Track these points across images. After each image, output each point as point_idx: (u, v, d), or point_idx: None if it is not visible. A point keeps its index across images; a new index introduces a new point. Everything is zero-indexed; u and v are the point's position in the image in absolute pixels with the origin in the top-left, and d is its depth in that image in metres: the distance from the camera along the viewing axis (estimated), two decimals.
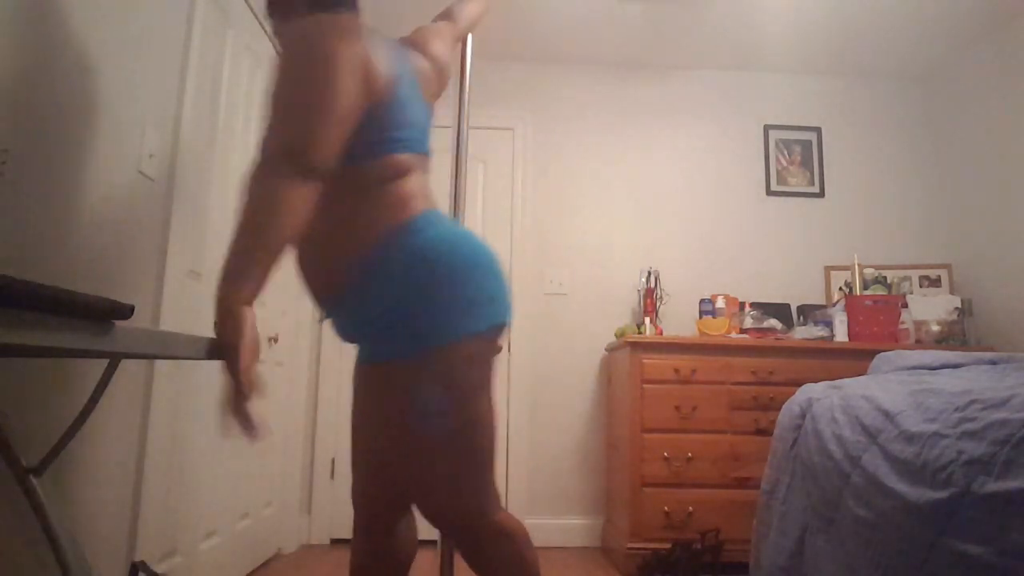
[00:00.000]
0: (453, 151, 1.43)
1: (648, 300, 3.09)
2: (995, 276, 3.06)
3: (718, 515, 2.56)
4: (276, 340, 2.58)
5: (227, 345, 0.94)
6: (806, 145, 3.49)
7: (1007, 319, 2.96)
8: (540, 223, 3.34)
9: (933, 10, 2.96)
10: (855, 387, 1.66)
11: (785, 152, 3.48)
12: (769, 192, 3.43)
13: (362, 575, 1.29)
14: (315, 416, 3.04)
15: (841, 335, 2.91)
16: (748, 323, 2.92)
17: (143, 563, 1.55)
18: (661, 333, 2.96)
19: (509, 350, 3.20)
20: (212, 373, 2.02)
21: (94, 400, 0.98)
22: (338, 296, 1.16)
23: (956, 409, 1.23)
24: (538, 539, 3.00)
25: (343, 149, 1.08)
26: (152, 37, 1.64)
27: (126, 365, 1.54)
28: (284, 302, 2.72)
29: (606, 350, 3.20)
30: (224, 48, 2.06)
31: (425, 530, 3.15)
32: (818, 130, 3.50)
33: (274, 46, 2.33)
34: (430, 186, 1.26)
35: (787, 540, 1.68)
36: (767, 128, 3.49)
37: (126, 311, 0.78)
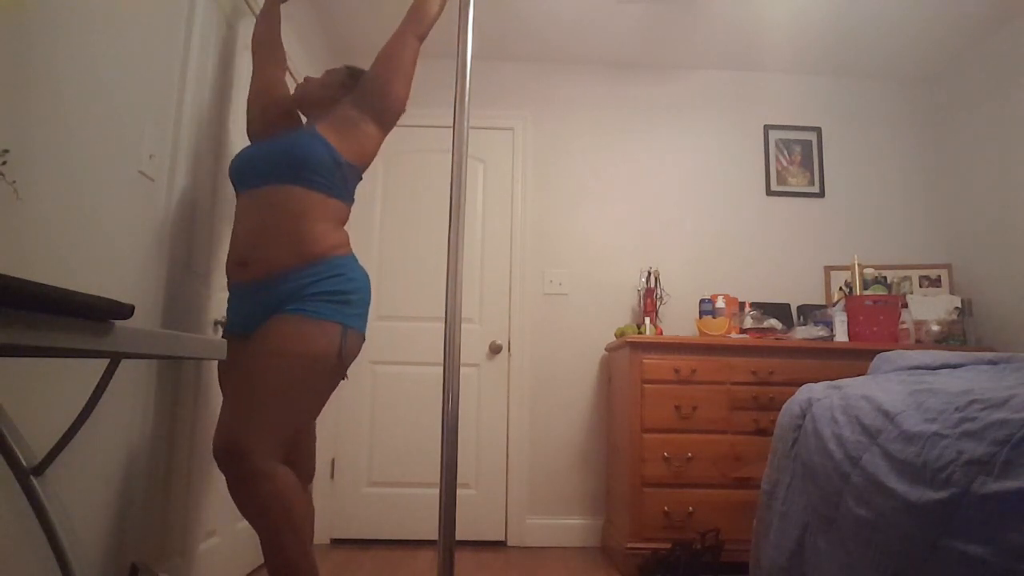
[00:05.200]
0: (453, 151, 1.44)
1: (648, 300, 3.09)
2: (995, 276, 3.05)
3: (718, 515, 2.56)
4: None
5: None
6: (806, 145, 3.49)
7: (1007, 319, 2.96)
8: (540, 223, 3.33)
9: (933, 10, 2.96)
10: (855, 387, 1.65)
11: (785, 152, 3.48)
12: (769, 192, 3.43)
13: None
14: None
15: (841, 335, 2.91)
16: (748, 323, 2.92)
17: (143, 563, 1.55)
18: (661, 333, 2.96)
19: (509, 350, 3.19)
20: (212, 372, 2.02)
21: (94, 400, 0.98)
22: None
23: (956, 409, 1.23)
24: (538, 539, 3.00)
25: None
26: (152, 37, 1.64)
27: (126, 365, 1.54)
28: None
29: (606, 350, 3.20)
30: (224, 48, 2.07)
31: (424, 530, 3.12)
32: (818, 130, 3.50)
33: None
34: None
35: (787, 540, 1.67)
36: (767, 128, 3.48)
37: (126, 311, 0.78)
